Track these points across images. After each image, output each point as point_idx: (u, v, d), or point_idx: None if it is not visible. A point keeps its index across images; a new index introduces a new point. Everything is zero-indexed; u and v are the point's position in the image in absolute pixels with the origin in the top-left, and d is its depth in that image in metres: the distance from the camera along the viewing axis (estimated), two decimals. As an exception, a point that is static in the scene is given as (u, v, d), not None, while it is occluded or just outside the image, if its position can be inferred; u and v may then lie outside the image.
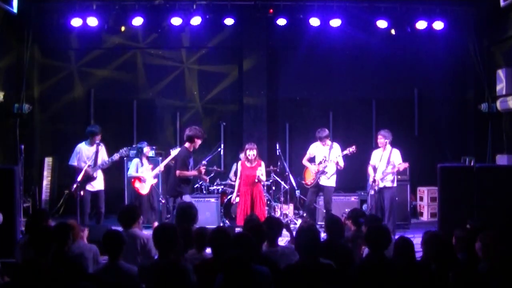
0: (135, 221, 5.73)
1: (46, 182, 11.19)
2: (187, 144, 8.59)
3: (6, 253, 6.14)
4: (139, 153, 9.30)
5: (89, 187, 8.75)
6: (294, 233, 5.35)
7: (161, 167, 9.36)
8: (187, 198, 8.44)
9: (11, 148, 10.55)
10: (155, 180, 9.39)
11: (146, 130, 11.55)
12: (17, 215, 7.70)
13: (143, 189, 9.20)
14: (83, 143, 8.88)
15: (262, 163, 9.12)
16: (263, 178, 9.09)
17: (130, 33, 11.25)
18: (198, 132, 8.56)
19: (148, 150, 9.37)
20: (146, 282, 4.50)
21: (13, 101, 10.67)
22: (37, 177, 11.17)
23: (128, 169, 9.92)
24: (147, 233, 5.69)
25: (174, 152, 9.00)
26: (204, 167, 8.94)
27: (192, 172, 8.71)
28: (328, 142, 9.38)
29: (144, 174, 9.23)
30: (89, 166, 8.60)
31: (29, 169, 10.76)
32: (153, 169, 9.31)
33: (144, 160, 9.31)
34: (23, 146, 9.91)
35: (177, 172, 8.49)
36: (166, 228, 4.82)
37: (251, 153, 8.94)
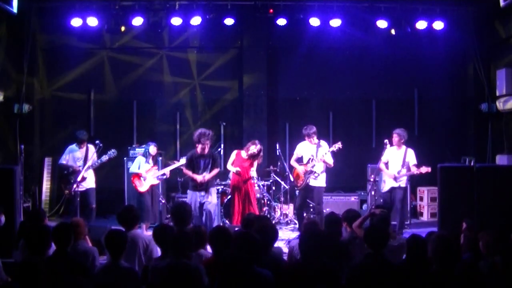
0: (135, 222, 5.73)
1: (46, 182, 11.18)
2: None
3: (6, 253, 6.13)
4: (147, 154, 9.32)
5: (79, 187, 8.88)
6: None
7: (166, 172, 9.35)
8: (188, 194, 8.68)
9: (11, 148, 10.55)
10: (157, 182, 9.36)
11: (146, 130, 11.55)
12: (17, 215, 7.70)
13: (141, 186, 9.17)
14: (73, 145, 9.11)
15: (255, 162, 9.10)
16: (253, 174, 9.08)
17: (130, 33, 11.24)
18: (196, 137, 8.57)
19: (154, 151, 9.35)
20: (154, 283, 4.42)
21: (13, 101, 10.67)
22: (37, 177, 11.16)
23: (128, 168, 9.94)
24: (150, 233, 5.68)
25: (183, 161, 9.10)
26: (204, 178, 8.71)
27: (192, 175, 8.65)
28: (315, 140, 9.00)
29: (146, 172, 9.20)
30: (80, 167, 8.86)
31: (29, 169, 10.75)
32: (157, 169, 9.27)
33: (150, 160, 9.32)
34: (23, 146, 9.90)
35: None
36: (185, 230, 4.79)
37: (254, 149, 8.95)
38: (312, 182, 8.93)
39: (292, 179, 9.69)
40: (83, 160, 8.97)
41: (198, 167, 8.65)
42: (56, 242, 4.86)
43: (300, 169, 9.01)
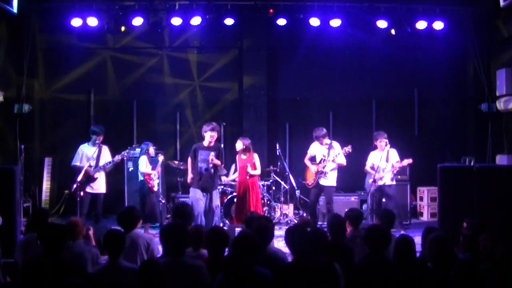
0: (136, 223, 5.72)
1: (46, 182, 11.17)
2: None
3: (6, 253, 6.13)
4: (145, 152, 9.10)
5: (88, 189, 8.67)
6: None
7: (158, 168, 9.27)
8: (191, 192, 8.62)
9: (11, 148, 10.55)
10: (158, 180, 9.27)
11: (146, 130, 11.54)
12: (17, 215, 7.69)
13: (155, 186, 9.02)
14: (86, 144, 8.88)
15: (254, 155, 9.13)
16: (251, 171, 9.04)
17: (131, 33, 11.25)
18: (204, 128, 8.65)
19: (152, 151, 9.21)
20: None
21: (13, 101, 10.67)
22: (37, 177, 11.16)
23: (128, 168, 9.92)
24: (153, 232, 5.68)
25: (161, 158, 9.22)
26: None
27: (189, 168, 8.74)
28: (327, 141, 9.20)
29: (151, 170, 9.13)
30: (90, 166, 8.60)
31: (29, 169, 10.74)
32: (153, 169, 9.25)
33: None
34: (23, 146, 9.90)
35: None
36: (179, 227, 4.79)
37: (236, 145, 9.14)
38: (323, 181, 9.15)
39: (291, 178, 9.77)
40: (96, 160, 8.64)
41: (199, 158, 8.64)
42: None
43: (312, 168, 9.23)
